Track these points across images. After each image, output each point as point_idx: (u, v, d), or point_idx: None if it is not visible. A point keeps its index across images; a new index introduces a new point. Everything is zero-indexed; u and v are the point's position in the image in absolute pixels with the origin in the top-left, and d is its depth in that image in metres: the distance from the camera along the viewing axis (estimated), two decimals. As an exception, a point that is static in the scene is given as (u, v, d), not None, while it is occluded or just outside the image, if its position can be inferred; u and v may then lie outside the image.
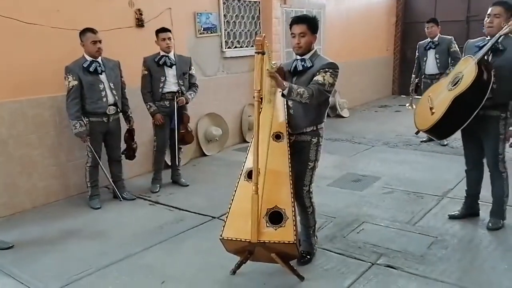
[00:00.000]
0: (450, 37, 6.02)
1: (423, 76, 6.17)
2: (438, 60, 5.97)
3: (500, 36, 3.15)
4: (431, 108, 3.34)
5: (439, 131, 3.35)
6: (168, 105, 4.59)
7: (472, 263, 3.07)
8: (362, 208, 4.07)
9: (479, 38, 3.44)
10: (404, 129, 6.98)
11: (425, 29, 6.09)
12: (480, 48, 3.25)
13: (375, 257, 3.17)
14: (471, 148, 3.57)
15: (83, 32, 4.05)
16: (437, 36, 6.02)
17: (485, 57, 3.19)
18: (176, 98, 4.57)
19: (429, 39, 6.07)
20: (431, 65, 6.04)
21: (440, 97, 3.32)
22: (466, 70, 3.19)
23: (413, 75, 6.31)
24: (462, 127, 3.25)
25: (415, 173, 4.99)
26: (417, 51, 6.30)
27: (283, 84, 2.74)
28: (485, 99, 3.10)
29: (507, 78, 3.17)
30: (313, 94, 2.78)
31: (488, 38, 3.27)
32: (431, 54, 6.04)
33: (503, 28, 3.14)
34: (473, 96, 3.11)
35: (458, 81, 3.21)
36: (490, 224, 3.53)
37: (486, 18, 3.27)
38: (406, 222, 3.74)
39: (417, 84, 6.25)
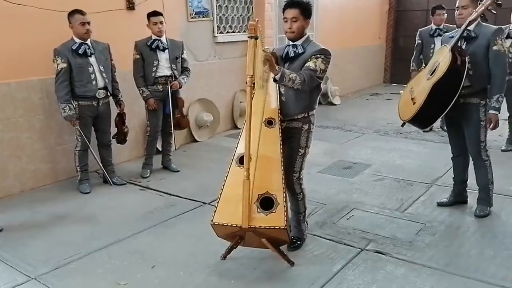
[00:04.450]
0: (454, 25, 5.93)
1: (424, 64, 5.91)
2: None
3: (470, 22, 3.26)
4: (412, 99, 3.42)
5: (421, 120, 3.42)
6: (161, 90, 4.54)
7: (459, 250, 3.11)
8: (352, 195, 4.10)
9: (453, 30, 3.61)
10: (395, 117, 6.88)
11: (435, 16, 5.89)
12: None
13: (364, 243, 3.21)
14: (455, 135, 3.64)
15: (72, 13, 3.98)
16: (443, 24, 5.88)
17: (458, 43, 3.31)
18: (170, 83, 4.53)
19: (434, 26, 5.90)
20: None
21: (420, 86, 3.41)
22: (442, 58, 3.29)
23: (413, 63, 6.09)
24: (443, 114, 3.33)
25: (405, 161, 5.04)
26: (418, 38, 6.07)
27: (276, 68, 2.73)
28: (462, 84, 3.17)
29: (481, 63, 3.29)
30: (305, 80, 2.77)
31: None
32: (439, 41, 5.89)
33: (471, 15, 3.25)
34: (451, 81, 3.20)
35: (435, 69, 3.31)
36: (477, 211, 3.58)
37: (455, 11, 3.40)
38: (395, 209, 3.78)
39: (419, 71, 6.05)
